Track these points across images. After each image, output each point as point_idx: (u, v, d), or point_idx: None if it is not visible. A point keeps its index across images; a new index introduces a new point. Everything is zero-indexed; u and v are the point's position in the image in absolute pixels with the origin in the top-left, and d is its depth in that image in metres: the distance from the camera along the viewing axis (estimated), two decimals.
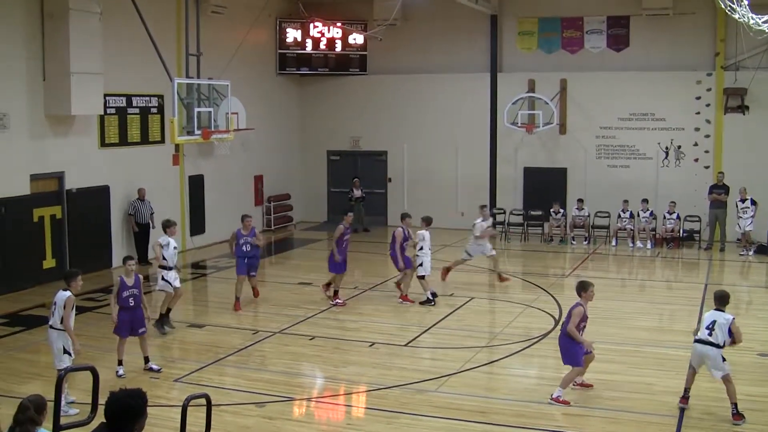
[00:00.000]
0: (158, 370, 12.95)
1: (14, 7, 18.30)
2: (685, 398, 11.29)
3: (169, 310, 15.42)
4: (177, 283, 15.41)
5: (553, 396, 11.63)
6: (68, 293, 11.41)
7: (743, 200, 23.42)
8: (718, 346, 10.89)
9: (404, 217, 18.17)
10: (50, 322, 11.52)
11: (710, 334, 10.94)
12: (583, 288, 11.87)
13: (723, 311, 11.09)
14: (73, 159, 20.01)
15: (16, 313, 16.89)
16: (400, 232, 17.64)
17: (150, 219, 21.59)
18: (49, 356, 11.81)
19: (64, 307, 11.30)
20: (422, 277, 17.70)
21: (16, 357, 13.93)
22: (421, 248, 17.65)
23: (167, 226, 15.52)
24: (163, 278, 15.23)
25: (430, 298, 17.59)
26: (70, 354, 11.40)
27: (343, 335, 15.31)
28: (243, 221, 17.21)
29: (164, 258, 15.17)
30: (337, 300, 17.60)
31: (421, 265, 17.64)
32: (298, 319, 16.34)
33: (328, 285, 17.95)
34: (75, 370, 9.99)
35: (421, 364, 13.52)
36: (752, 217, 23.27)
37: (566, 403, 11.59)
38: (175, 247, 15.41)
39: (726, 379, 10.90)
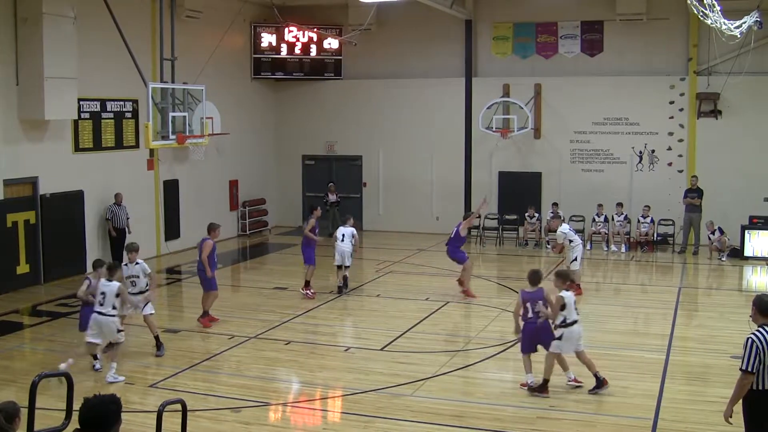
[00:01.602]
0: (98, 369, 13.03)
1: None
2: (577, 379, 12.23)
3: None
4: (146, 311, 14.31)
5: (570, 378, 12.29)
6: (116, 283, 12.79)
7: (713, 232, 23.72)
8: None
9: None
10: (100, 310, 12.64)
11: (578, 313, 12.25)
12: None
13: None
14: (47, 164, 19.87)
15: None
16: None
17: (126, 224, 21.50)
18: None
19: (119, 295, 12.73)
20: (339, 267, 18.92)
21: None
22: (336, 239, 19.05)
23: (130, 250, 14.56)
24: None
25: (340, 287, 18.99)
26: (122, 330, 13.03)
27: (318, 340, 15.28)
28: (214, 230, 16.31)
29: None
30: (308, 291, 18.52)
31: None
32: (273, 323, 16.30)
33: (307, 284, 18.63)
34: (50, 377, 9.93)
35: (397, 369, 13.49)
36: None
37: (581, 382, 12.26)
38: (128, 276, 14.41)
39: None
